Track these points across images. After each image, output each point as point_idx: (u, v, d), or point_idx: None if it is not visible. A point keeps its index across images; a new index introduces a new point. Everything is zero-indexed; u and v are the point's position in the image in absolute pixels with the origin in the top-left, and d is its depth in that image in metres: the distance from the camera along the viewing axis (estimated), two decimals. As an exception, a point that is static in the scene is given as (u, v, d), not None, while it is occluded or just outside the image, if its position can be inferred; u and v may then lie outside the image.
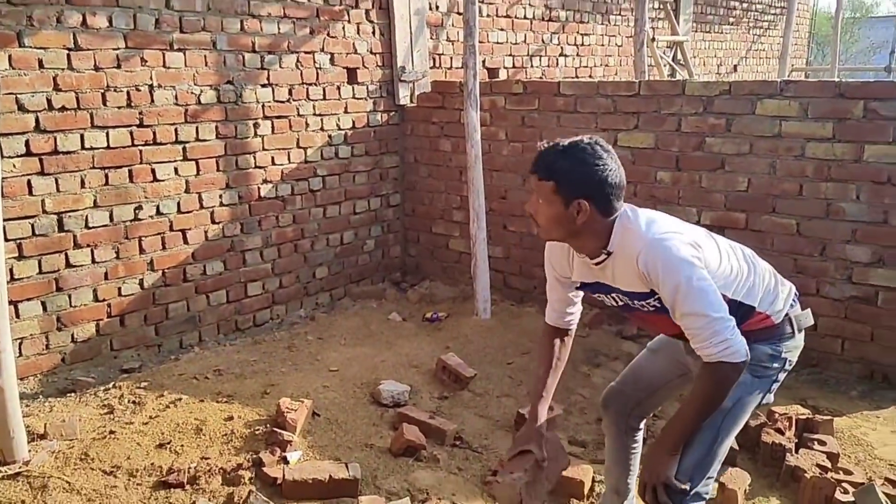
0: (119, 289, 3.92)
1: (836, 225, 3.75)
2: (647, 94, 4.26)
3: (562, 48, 6.68)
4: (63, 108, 3.57)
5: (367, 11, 4.96)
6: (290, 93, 4.57)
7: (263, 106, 4.44)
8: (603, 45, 7.16)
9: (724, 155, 4.02)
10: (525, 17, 6.25)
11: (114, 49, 3.74)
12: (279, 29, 4.46)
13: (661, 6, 7.00)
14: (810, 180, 3.79)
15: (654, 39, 6.38)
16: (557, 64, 6.67)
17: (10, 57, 3.38)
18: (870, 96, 3.59)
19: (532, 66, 6.41)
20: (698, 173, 4.12)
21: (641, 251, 1.94)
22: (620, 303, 2.15)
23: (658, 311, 2.04)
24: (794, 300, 2.19)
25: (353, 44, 4.91)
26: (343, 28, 4.83)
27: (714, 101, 4.01)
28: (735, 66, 9.31)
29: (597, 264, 2.09)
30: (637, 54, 5.62)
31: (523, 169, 4.80)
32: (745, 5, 9.36)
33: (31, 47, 3.45)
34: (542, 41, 6.47)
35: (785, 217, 3.89)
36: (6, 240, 3.40)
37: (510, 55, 6.18)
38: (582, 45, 6.92)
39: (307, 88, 4.68)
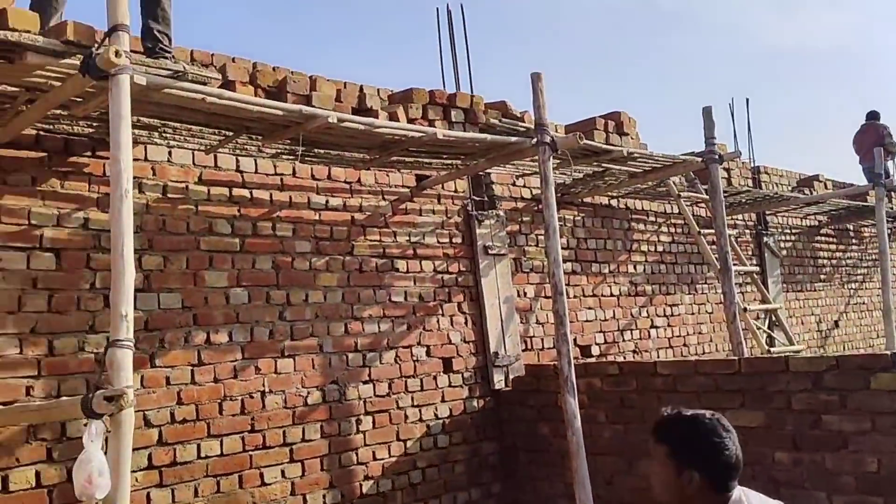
0: None
1: None
2: (749, 372, 4.18)
3: (652, 320, 6.77)
4: (184, 421, 3.82)
5: (459, 304, 5.27)
6: (389, 387, 4.75)
7: (365, 402, 4.60)
8: (693, 313, 7.22)
9: (844, 433, 3.78)
10: (611, 295, 6.45)
11: (232, 361, 4.06)
12: (379, 328, 4.77)
13: (747, 274, 7.13)
14: (950, 459, 3.48)
15: (745, 310, 6.38)
16: (649, 335, 6.71)
17: (142, 377, 3.72)
18: None
19: (624, 339, 6.47)
20: (820, 454, 3.86)
21: None
22: None
23: None
24: None
25: (448, 334, 5.16)
26: (437, 321, 5.12)
27: (823, 377, 3.88)
28: (836, 322, 9.08)
29: None
30: (731, 326, 5.62)
31: (628, 452, 4.63)
32: (833, 262, 9.39)
33: (160, 366, 3.80)
34: (631, 315, 6.59)
35: (930, 502, 3.52)
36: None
37: (601, 331, 6.29)
38: (672, 315, 6.99)
39: (405, 381, 4.85)
